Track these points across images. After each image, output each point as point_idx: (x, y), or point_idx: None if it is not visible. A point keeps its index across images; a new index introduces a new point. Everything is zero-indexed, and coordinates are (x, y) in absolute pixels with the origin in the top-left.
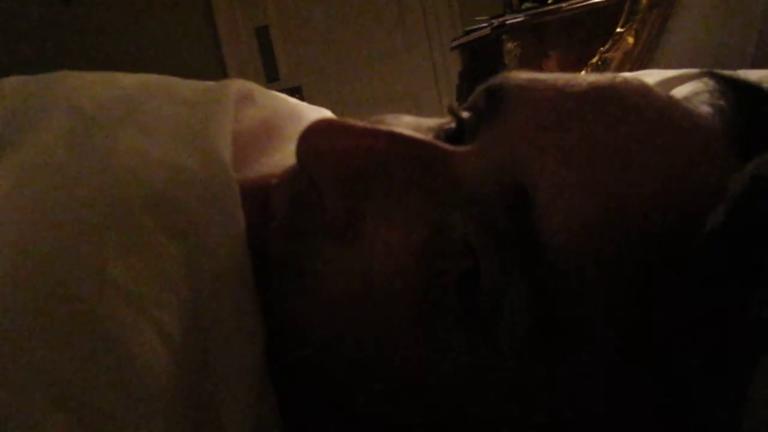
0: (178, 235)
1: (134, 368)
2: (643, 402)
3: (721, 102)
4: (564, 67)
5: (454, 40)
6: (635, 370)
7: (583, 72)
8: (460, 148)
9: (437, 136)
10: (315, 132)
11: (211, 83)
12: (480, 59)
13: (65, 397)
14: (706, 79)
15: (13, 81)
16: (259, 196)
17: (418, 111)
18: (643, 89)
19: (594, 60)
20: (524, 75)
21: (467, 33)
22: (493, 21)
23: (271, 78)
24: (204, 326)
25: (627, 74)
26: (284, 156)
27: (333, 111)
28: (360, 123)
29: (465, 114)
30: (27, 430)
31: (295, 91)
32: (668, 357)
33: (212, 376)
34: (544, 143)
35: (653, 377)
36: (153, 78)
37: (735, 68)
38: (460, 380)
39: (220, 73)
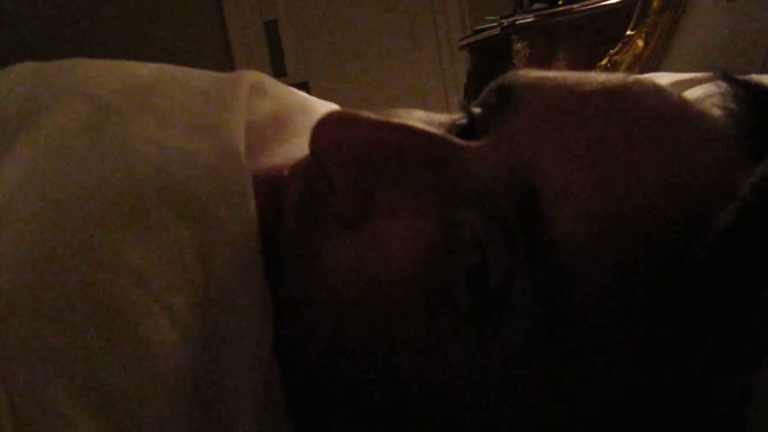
0: (191, 222)
1: (145, 351)
2: (647, 398)
3: (733, 105)
4: (573, 69)
5: (462, 38)
6: (641, 368)
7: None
8: (471, 144)
9: (448, 131)
10: (329, 122)
11: (225, 74)
12: (489, 59)
13: (79, 379)
14: (718, 82)
15: (26, 66)
16: (271, 186)
17: (424, 109)
18: (655, 89)
19: (603, 62)
20: (535, 73)
21: (476, 32)
22: (502, 21)
23: (279, 73)
24: (214, 312)
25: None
26: (296, 148)
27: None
28: (374, 115)
29: (476, 110)
30: (41, 411)
31: (302, 87)
32: (675, 355)
33: (221, 360)
34: (554, 141)
35: (659, 375)
36: (167, 67)
37: (746, 73)
38: (466, 373)
39: (228, 66)
